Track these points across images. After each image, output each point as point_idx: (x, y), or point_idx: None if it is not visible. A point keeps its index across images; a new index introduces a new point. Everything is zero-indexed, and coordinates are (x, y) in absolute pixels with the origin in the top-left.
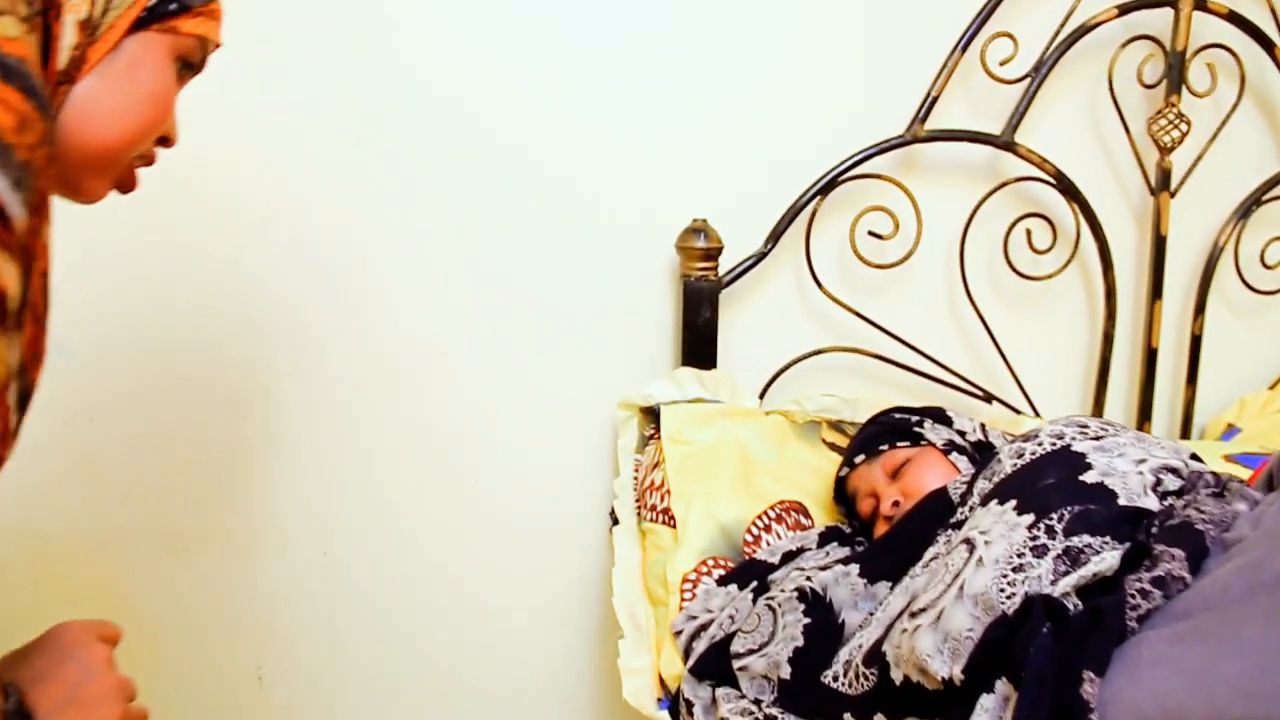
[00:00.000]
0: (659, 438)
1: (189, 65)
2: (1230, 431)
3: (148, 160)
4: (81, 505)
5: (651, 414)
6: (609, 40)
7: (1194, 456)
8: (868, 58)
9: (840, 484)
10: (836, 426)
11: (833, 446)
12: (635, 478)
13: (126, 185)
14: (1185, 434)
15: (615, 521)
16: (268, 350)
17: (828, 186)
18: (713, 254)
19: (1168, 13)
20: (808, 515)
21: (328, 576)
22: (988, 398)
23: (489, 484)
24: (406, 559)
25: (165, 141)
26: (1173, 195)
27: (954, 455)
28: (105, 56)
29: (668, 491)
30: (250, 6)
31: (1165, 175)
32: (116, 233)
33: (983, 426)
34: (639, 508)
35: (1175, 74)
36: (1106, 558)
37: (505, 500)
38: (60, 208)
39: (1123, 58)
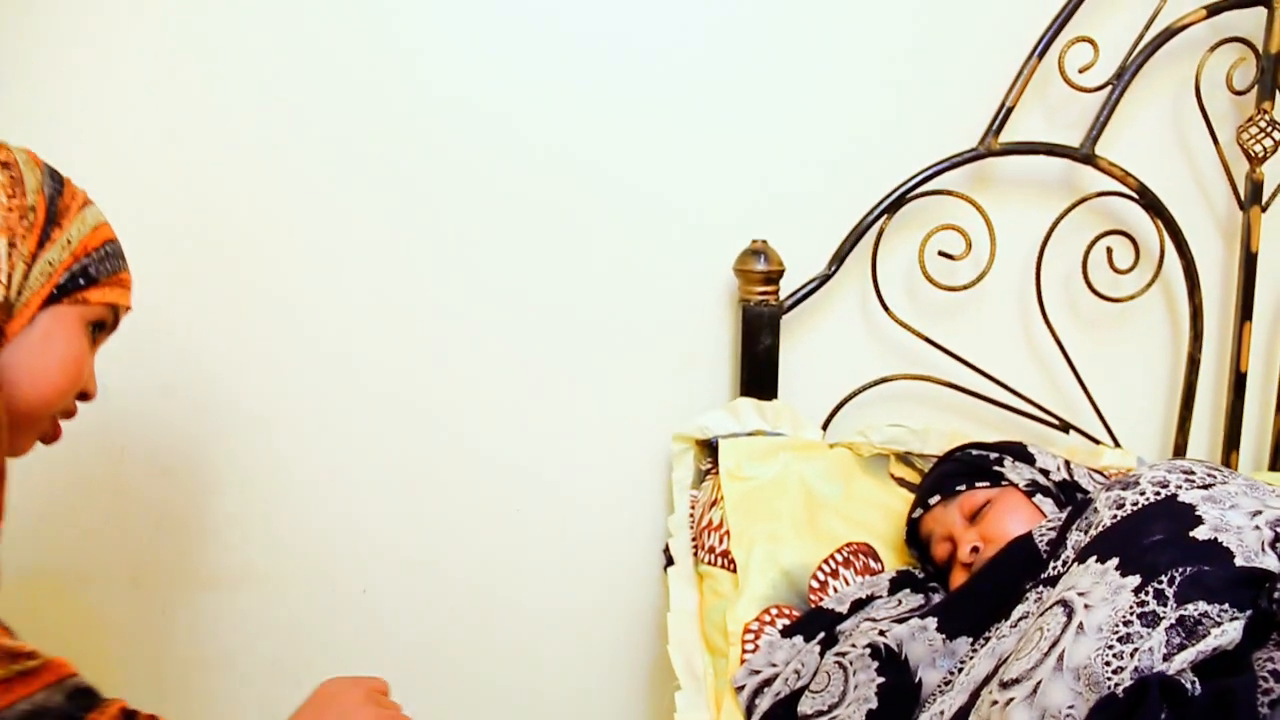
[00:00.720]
0: (717, 473)
1: (101, 327)
2: None
3: (69, 414)
4: (114, 540)
5: (708, 447)
6: (662, 51)
7: None
8: (938, 67)
9: (913, 526)
10: (905, 460)
11: (902, 482)
12: (691, 515)
13: (50, 437)
14: (1275, 465)
15: (670, 562)
16: (302, 381)
17: (895, 204)
18: (773, 277)
19: (1260, 13)
20: (877, 559)
21: (368, 614)
22: (1064, 427)
23: (536, 519)
24: (449, 597)
25: (85, 396)
26: (1264, 209)
27: (1038, 497)
28: (21, 331)
29: (727, 532)
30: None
31: (1256, 188)
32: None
33: (1068, 464)
34: (695, 548)
35: (1268, 79)
36: (1228, 630)
37: (553, 537)
38: None
39: (1211, 62)
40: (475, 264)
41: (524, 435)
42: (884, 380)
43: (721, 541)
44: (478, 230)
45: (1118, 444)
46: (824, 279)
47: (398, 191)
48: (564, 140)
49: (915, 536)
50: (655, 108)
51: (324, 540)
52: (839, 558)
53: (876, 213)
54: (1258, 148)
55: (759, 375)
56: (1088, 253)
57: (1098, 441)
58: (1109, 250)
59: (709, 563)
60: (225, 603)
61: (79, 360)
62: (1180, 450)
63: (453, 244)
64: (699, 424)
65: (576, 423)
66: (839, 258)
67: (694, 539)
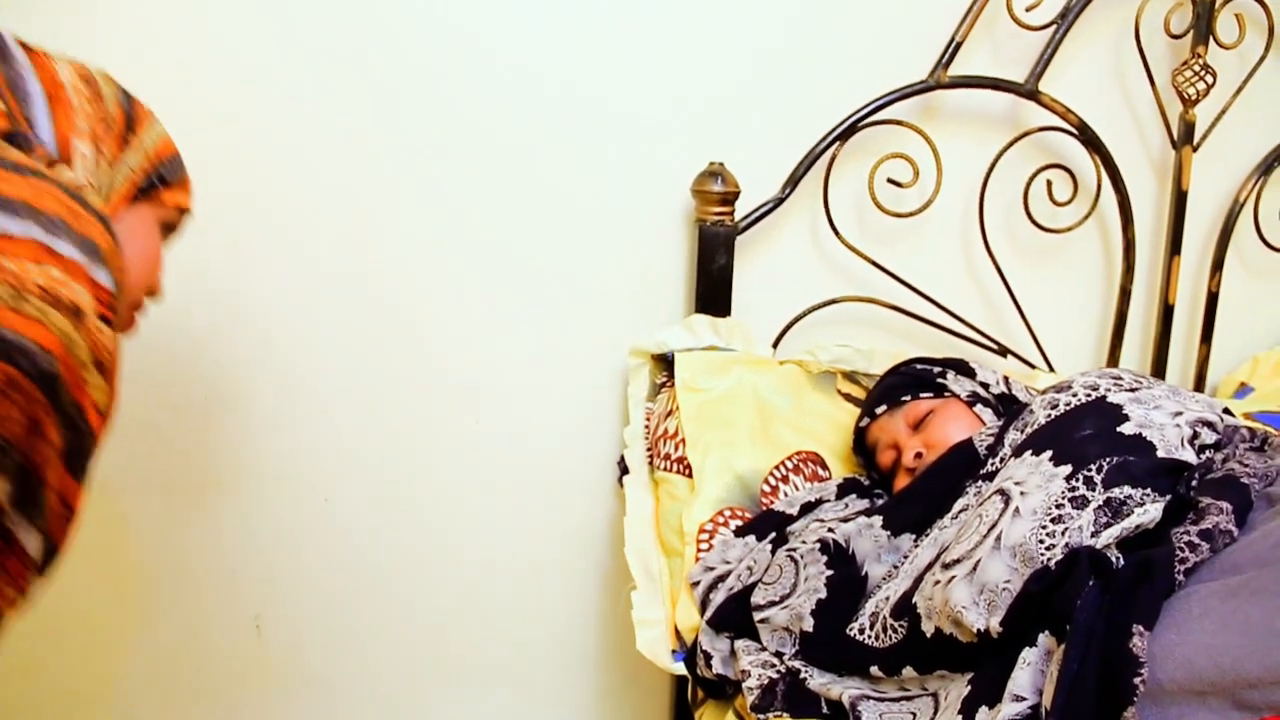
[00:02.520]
0: (672, 385)
1: (170, 229)
2: (1243, 390)
3: (139, 309)
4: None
5: (664, 362)
6: None
7: (1226, 411)
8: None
9: (860, 435)
10: (851, 377)
11: (849, 398)
12: (647, 426)
13: (125, 328)
14: (1198, 390)
15: (624, 471)
16: (267, 290)
17: (847, 132)
18: (729, 199)
19: None
20: (825, 466)
21: (327, 526)
22: (1002, 351)
23: (492, 433)
24: (407, 509)
25: (152, 294)
26: (1195, 149)
27: (978, 407)
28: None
29: (683, 440)
30: None
31: (1189, 129)
32: None
33: (1006, 379)
34: (651, 456)
35: (1203, 25)
36: (1149, 509)
37: (509, 450)
38: None
39: (1150, 7)
40: (434, 180)
41: (483, 351)
42: (832, 301)
43: (677, 449)
44: (434, 147)
45: (1052, 368)
46: (777, 202)
47: (355, 100)
48: (527, 56)
49: (862, 444)
50: (617, 26)
51: (285, 452)
52: (789, 464)
53: (829, 140)
54: (1191, 90)
55: (713, 293)
56: (1028, 185)
57: (1033, 366)
58: (1049, 183)
59: (665, 469)
60: (184, 511)
61: (155, 256)
62: None
63: (410, 160)
64: (656, 339)
65: (534, 340)
66: (792, 181)
67: (649, 448)
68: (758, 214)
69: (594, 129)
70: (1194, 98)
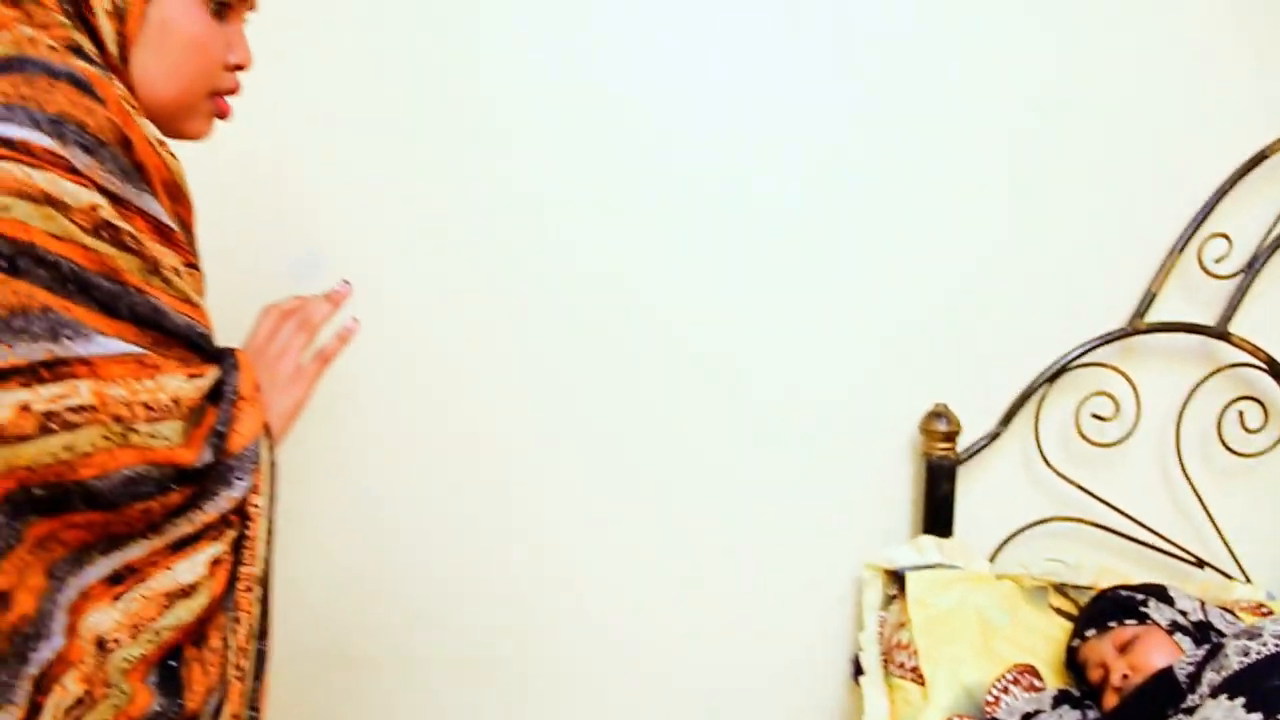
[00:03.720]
0: (903, 598)
1: (224, 5)
2: None
3: (230, 89)
4: None
5: (894, 576)
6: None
7: None
8: (1090, 255)
9: (1071, 653)
10: (1061, 591)
11: (1060, 612)
12: (880, 633)
13: (220, 114)
14: None
15: (858, 670)
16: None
17: (1055, 374)
18: (952, 435)
19: None
20: (1039, 678)
21: (581, 683)
22: (1199, 563)
23: (736, 632)
24: (656, 688)
25: (239, 68)
26: None
27: (1178, 635)
28: (139, 30)
29: (915, 651)
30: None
31: None
32: None
33: (1203, 605)
34: (885, 662)
35: None
36: None
37: (748, 648)
38: None
39: None
40: (704, 417)
41: (732, 554)
42: (1043, 521)
43: (911, 659)
44: (700, 395)
45: (1248, 579)
46: (994, 436)
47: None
48: (759, 333)
49: (1073, 661)
50: (859, 300)
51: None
52: (1009, 677)
53: (1039, 382)
54: None
55: (938, 516)
56: (1221, 415)
57: (1230, 577)
58: (1240, 413)
59: (900, 676)
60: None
61: (203, 42)
62: None
63: (683, 413)
64: (887, 556)
65: (775, 551)
66: (1007, 419)
67: (883, 653)
68: (976, 447)
69: (838, 377)
70: None
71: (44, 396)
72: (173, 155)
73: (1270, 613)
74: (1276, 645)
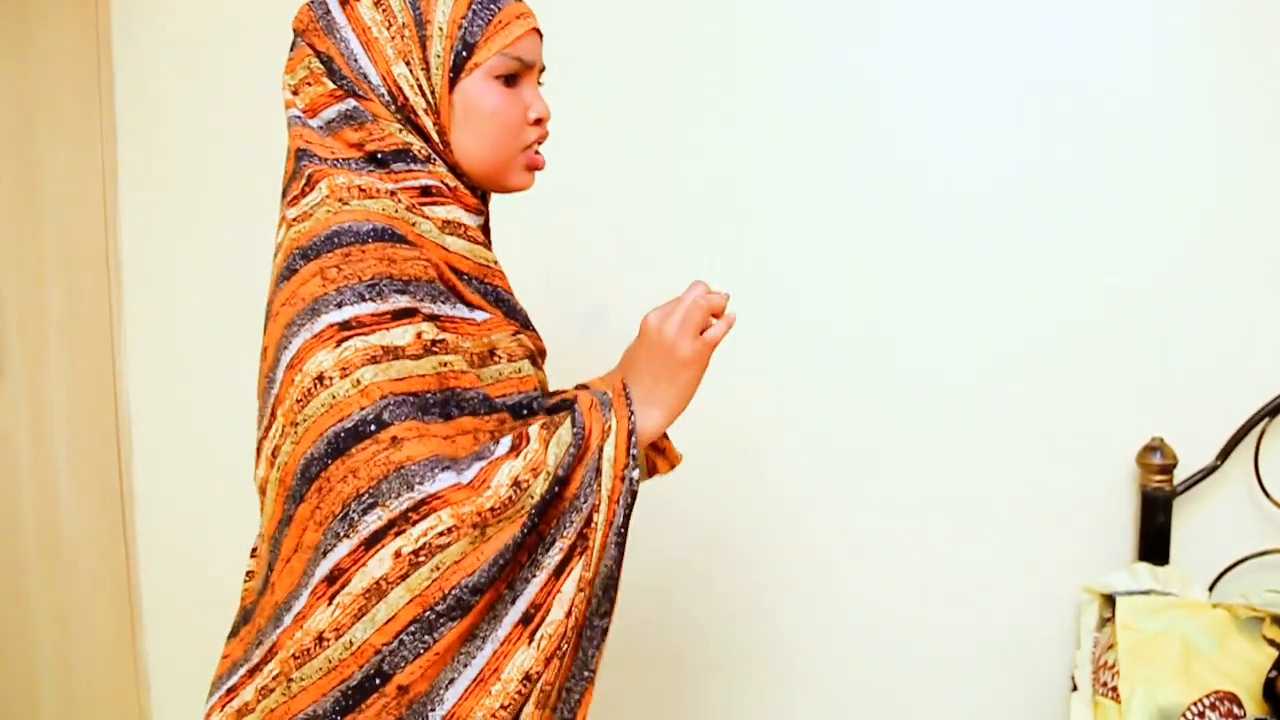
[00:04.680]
0: (1114, 621)
1: (511, 75)
2: None
3: (538, 141)
4: None
5: (1109, 600)
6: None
7: None
8: None
9: (1269, 684)
10: (1278, 622)
11: (1273, 643)
12: (1093, 652)
13: (535, 165)
14: None
15: (1075, 687)
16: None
17: (1277, 409)
18: (1168, 469)
19: None
20: (1240, 705)
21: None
22: None
23: (959, 645)
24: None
25: (539, 122)
26: None
27: None
28: (451, 118)
29: (1117, 672)
30: None
31: None
32: None
33: None
34: (1094, 681)
35: None
36: None
37: (969, 659)
38: None
39: None
40: (942, 444)
41: (962, 574)
42: (1265, 553)
43: (1113, 679)
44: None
45: None
46: (1212, 469)
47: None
48: (979, 359)
49: (1271, 691)
50: (1095, 339)
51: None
52: (1206, 701)
53: (1259, 416)
54: None
55: (1154, 545)
56: None
57: None
58: None
59: (1102, 695)
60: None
61: (500, 110)
62: None
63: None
64: (1104, 581)
65: (1007, 568)
66: (1224, 453)
67: (1094, 672)
68: (1194, 479)
69: (1064, 410)
70: None
71: (412, 537)
72: (475, 242)
73: None
74: None
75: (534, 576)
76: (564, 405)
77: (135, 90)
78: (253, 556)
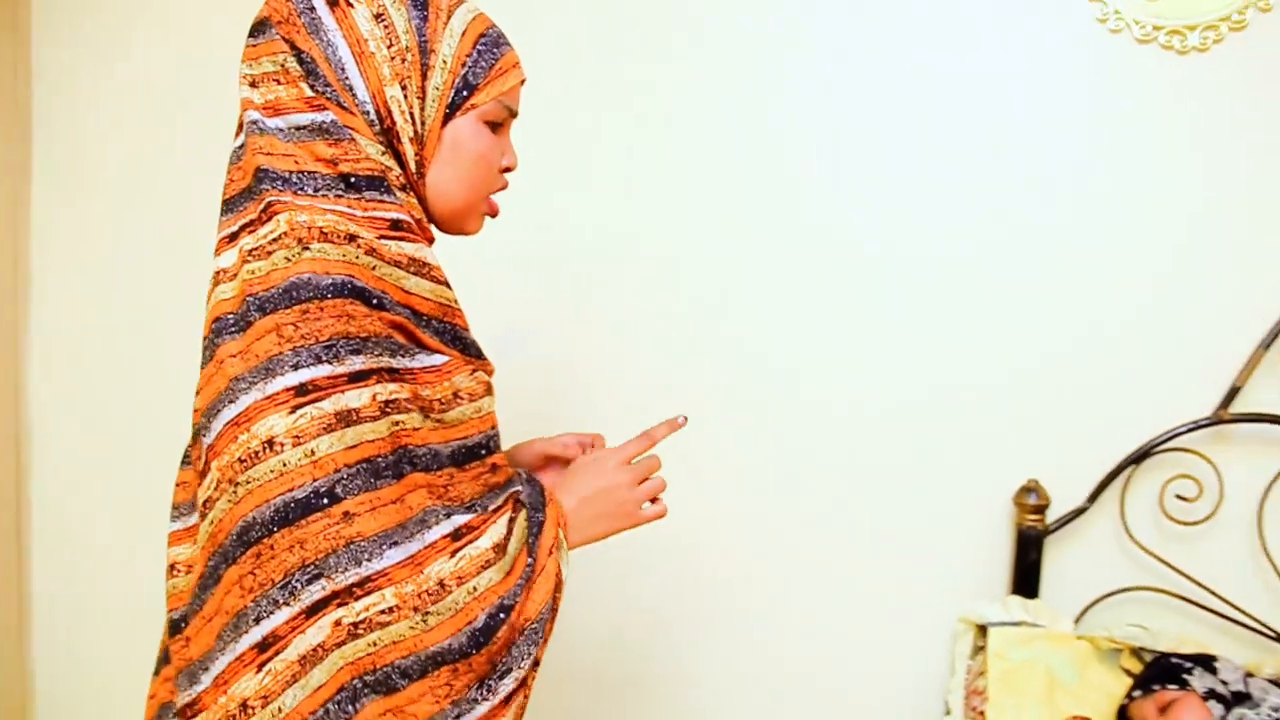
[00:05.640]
0: (986, 650)
1: (497, 122)
2: None
3: (501, 188)
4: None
5: (982, 629)
6: (987, 334)
7: None
8: (1177, 344)
9: (1121, 710)
10: (1136, 654)
11: (1129, 674)
12: (966, 679)
13: (491, 212)
14: None
15: (948, 711)
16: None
17: (1140, 457)
18: (1041, 508)
19: None
20: None
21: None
22: (1278, 637)
23: (839, 672)
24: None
25: (507, 170)
26: None
27: (1211, 702)
28: (435, 153)
29: (987, 698)
30: None
31: None
32: None
33: (1247, 677)
34: (965, 706)
35: None
36: None
37: (849, 689)
38: None
39: None
40: (824, 473)
41: (842, 603)
42: (1126, 590)
43: (983, 704)
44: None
45: None
46: (1080, 511)
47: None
48: (871, 404)
49: (1124, 717)
50: (965, 381)
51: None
52: None
53: (1125, 463)
54: None
55: (1026, 579)
56: None
57: None
58: None
59: (972, 719)
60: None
61: (485, 155)
62: None
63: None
64: (979, 612)
65: (886, 598)
66: (1094, 495)
67: (965, 698)
68: (1063, 520)
69: (944, 449)
70: None
71: (354, 610)
72: (438, 281)
73: None
74: (1271, 716)
75: (485, 700)
76: (515, 494)
77: (53, 87)
78: (175, 545)
